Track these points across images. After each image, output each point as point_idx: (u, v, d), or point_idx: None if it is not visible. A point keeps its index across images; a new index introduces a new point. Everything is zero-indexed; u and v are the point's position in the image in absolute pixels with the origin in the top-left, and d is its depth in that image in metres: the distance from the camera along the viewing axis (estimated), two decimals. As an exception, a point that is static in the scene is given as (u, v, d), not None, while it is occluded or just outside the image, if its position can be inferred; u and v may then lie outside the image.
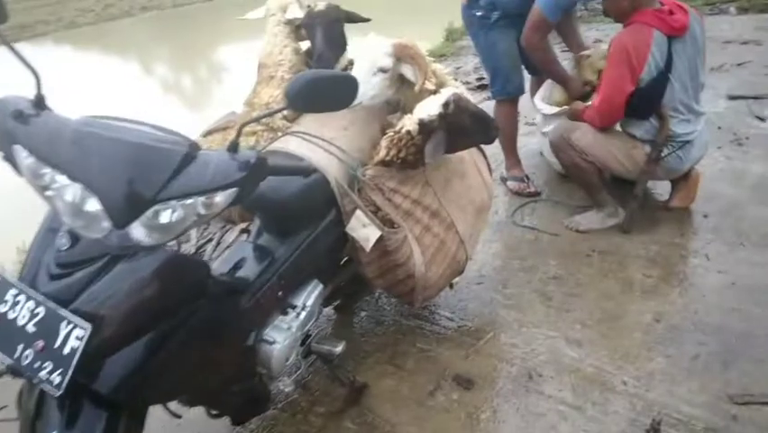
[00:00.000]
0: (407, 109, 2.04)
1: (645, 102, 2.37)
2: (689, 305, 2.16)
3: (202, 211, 1.17)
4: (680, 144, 2.46)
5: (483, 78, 4.89)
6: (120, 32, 16.14)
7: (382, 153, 1.78)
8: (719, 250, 2.42)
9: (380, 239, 1.78)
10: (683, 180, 2.68)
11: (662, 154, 2.47)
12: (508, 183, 3.17)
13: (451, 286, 2.19)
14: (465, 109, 1.72)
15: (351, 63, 2.13)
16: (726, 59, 4.43)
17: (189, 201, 1.15)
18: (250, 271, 1.63)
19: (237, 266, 1.66)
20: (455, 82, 2.20)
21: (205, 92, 9.12)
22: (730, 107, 3.63)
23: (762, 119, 3.38)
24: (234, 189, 1.17)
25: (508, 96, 3.04)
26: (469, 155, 2.03)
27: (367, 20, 2.23)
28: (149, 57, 12.77)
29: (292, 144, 1.83)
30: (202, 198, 1.15)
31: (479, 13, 2.86)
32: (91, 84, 9.45)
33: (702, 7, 6.24)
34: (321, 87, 1.27)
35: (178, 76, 11.01)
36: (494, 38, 2.88)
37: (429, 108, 1.72)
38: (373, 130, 2.00)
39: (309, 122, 1.92)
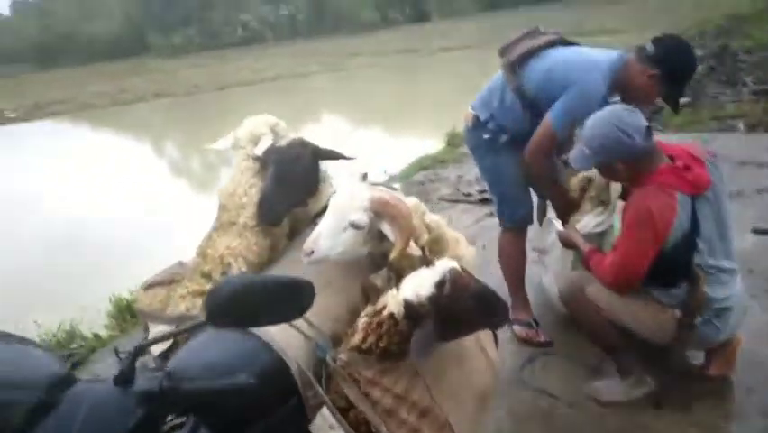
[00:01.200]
0: (395, 266, 1.69)
1: (669, 268, 2.03)
2: None
3: None
4: (716, 312, 2.07)
5: (486, 191, 4.63)
6: (133, 116, 16.56)
7: (358, 338, 1.40)
8: (775, 443, 1.97)
9: (352, 447, 1.37)
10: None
11: (695, 322, 2.07)
12: (515, 328, 2.77)
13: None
14: (465, 289, 1.35)
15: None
16: (744, 183, 4.15)
17: None
18: None
19: None
20: (456, 234, 1.86)
21: (213, 177, 9.11)
22: (758, 243, 3.28)
23: (798, 262, 3.03)
24: None
25: (515, 225, 2.74)
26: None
27: (348, 158, 1.88)
28: (160, 139, 13.03)
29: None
30: None
31: (486, 136, 2.62)
32: (107, 161, 10.08)
33: (709, 122, 6.13)
34: (255, 298, 0.91)
35: (187, 159, 11.17)
36: (502, 162, 2.63)
37: (419, 286, 1.35)
38: (353, 293, 1.64)
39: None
